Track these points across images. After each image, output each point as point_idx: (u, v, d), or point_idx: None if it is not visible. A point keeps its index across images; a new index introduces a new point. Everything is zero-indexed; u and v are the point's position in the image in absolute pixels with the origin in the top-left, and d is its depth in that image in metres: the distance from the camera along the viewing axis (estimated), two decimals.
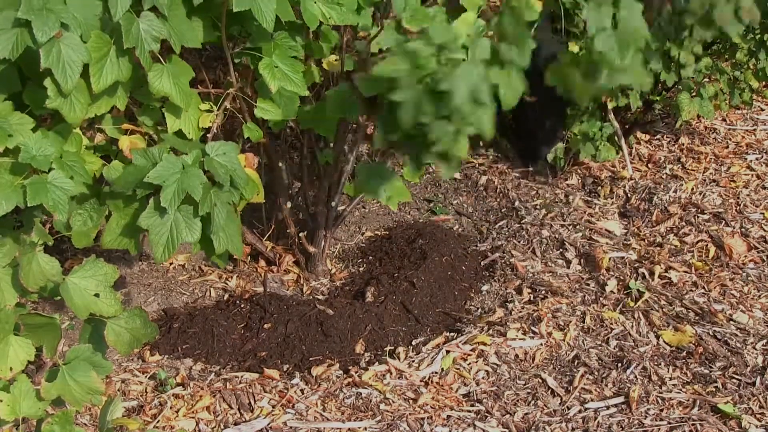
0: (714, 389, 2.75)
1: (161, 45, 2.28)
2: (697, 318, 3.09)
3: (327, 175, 3.26)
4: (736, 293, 3.22)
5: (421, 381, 2.83)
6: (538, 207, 3.86)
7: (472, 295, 3.34)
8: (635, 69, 2.26)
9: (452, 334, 3.08)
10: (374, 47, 2.74)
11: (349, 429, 2.64)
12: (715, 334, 3.00)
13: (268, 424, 2.65)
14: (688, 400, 2.71)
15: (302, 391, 2.80)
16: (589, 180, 4.03)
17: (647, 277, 3.32)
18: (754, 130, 4.41)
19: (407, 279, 3.31)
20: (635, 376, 2.82)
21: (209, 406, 2.73)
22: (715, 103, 3.84)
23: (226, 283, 3.39)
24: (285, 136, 3.47)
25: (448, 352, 2.95)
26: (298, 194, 3.59)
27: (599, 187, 3.95)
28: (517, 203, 3.89)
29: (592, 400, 2.74)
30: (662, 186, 3.87)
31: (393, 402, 2.74)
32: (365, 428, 2.64)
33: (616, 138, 3.93)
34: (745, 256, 3.41)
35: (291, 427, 2.64)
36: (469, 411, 2.71)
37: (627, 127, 4.09)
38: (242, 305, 3.20)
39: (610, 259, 3.43)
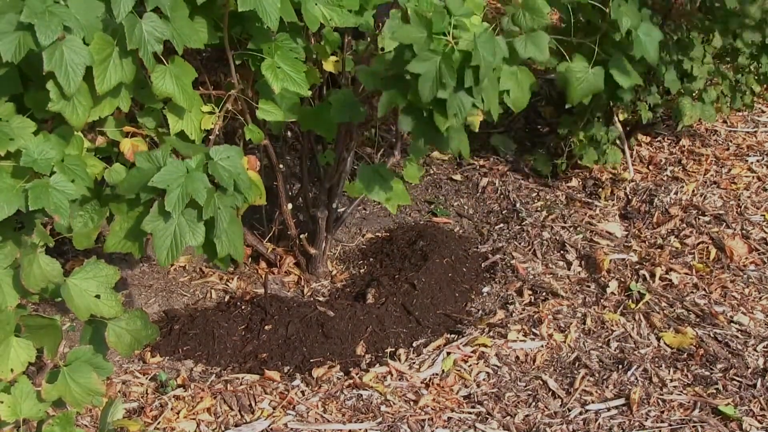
0: (715, 391, 2.75)
1: (163, 46, 2.28)
2: (697, 320, 3.09)
3: (327, 177, 3.26)
4: (737, 295, 3.22)
5: (421, 383, 2.83)
6: (538, 209, 3.86)
7: (473, 296, 3.34)
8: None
9: (453, 335, 3.08)
10: (386, 44, 2.74)
11: (349, 430, 2.64)
12: (716, 336, 3.00)
13: (269, 426, 2.65)
14: (688, 402, 2.71)
15: (303, 392, 2.80)
16: (590, 182, 4.03)
17: (648, 278, 3.32)
18: (755, 132, 4.41)
19: (408, 281, 3.31)
20: (636, 378, 2.82)
21: (210, 408, 2.73)
22: (717, 106, 3.84)
23: (227, 285, 3.39)
24: (285, 138, 3.47)
25: (448, 353, 2.95)
26: (299, 196, 3.59)
27: (600, 189, 3.95)
28: (518, 205, 3.89)
29: (592, 402, 2.74)
30: (663, 188, 3.87)
31: (394, 403, 2.74)
32: (366, 430, 2.64)
33: (618, 141, 3.93)
34: (746, 258, 3.41)
35: (292, 429, 2.64)
36: (470, 413, 2.71)
37: (628, 129, 4.09)
38: (243, 307, 3.21)
39: (610, 260, 3.43)
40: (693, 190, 3.86)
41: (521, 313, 3.16)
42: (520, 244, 3.61)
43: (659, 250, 3.50)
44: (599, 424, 2.64)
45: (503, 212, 3.89)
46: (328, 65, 3.05)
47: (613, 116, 3.82)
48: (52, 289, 2.15)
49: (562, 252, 3.54)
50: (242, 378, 2.88)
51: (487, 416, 2.69)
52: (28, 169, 2.10)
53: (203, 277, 3.44)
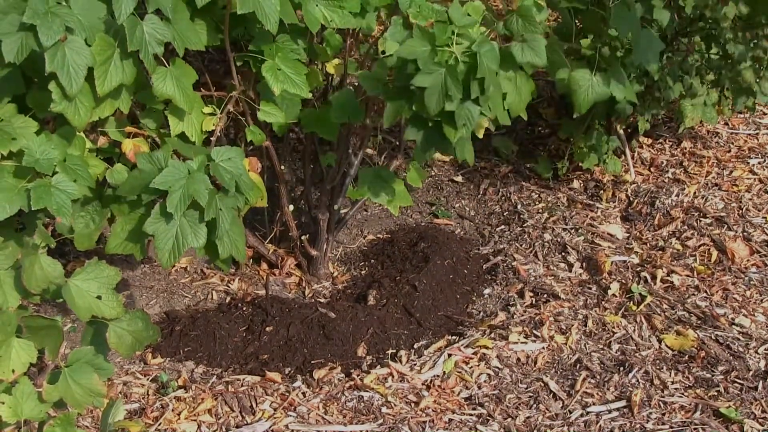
0: (716, 393, 2.75)
1: (164, 48, 2.28)
2: (699, 322, 3.09)
3: (329, 178, 3.26)
4: (738, 297, 3.22)
5: (422, 384, 2.83)
6: (540, 211, 3.86)
7: (474, 298, 3.34)
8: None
9: (454, 337, 3.08)
10: (389, 47, 2.74)
11: None
12: (718, 338, 3.00)
13: (270, 427, 2.65)
14: (690, 404, 2.71)
15: (304, 394, 2.80)
16: (591, 184, 4.03)
17: (649, 280, 3.32)
18: (757, 134, 4.41)
19: (409, 282, 3.31)
20: (637, 380, 2.82)
21: (211, 409, 2.73)
22: (718, 109, 3.84)
23: (228, 286, 3.39)
24: (287, 139, 3.47)
25: (450, 355, 2.95)
26: (301, 197, 3.59)
27: (601, 191, 3.95)
28: (519, 207, 3.89)
29: (594, 404, 2.74)
30: (664, 190, 3.87)
31: (395, 405, 2.74)
32: (367, 431, 2.64)
33: (619, 144, 3.93)
34: (748, 260, 3.41)
35: (293, 430, 2.64)
36: (471, 414, 2.71)
37: (630, 131, 4.09)
38: (244, 308, 3.21)
39: (612, 262, 3.43)
40: (694, 192, 3.85)
41: (522, 315, 3.16)
42: (521, 245, 3.61)
43: (660, 252, 3.49)
44: (600, 426, 2.64)
45: (504, 214, 3.89)
46: (330, 67, 3.05)
47: (612, 125, 3.83)
48: (54, 290, 2.16)
49: (563, 254, 3.54)
50: (243, 379, 2.88)
51: (488, 418, 2.69)
52: (30, 169, 2.11)
53: (204, 278, 3.44)
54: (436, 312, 3.23)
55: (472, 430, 2.65)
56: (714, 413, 2.67)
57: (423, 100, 2.37)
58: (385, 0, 2.80)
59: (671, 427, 2.62)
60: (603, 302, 3.23)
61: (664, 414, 2.68)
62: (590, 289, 3.32)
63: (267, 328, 3.08)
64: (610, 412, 2.70)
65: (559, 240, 3.62)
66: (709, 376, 2.83)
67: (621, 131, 3.88)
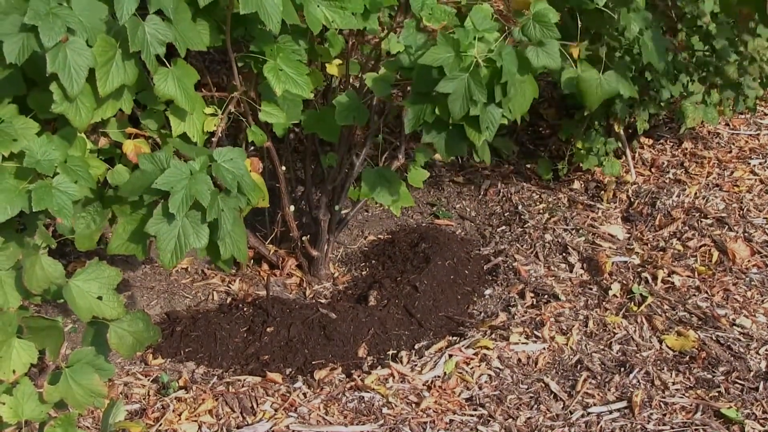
0: (717, 394, 2.75)
1: (166, 48, 2.28)
2: (700, 323, 3.09)
3: (330, 179, 3.26)
4: (739, 298, 3.22)
5: (423, 385, 2.83)
6: (540, 211, 3.86)
7: (475, 299, 3.34)
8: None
9: (455, 338, 3.07)
10: (394, 47, 2.75)
11: None
12: (718, 338, 3.00)
13: (271, 428, 2.65)
14: (691, 405, 2.71)
15: (305, 394, 2.80)
16: (592, 184, 4.03)
17: (650, 281, 3.31)
18: (758, 134, 4.41)
19: (410, 283, 3.31)
20: (638, 381, 2.82)
21: (212, 410, 2.73)
22: (720, 109, 3.84)
23: (229, 287, 3.39)
24: (289, 140, 3.48)
25: (450, 356, 2.94)
26: (302, 198, 3.59)
27: (602, 192, 3.95)
28: (519, 207, 3.89)
29: (594, 405, 2.74)
30: (665, 190, 3.87)
31: (395, 406, 2.74)
32: None
33: (620, 145, 3.93)
34: (749, 261, 3.41)
35: (293, 431, 2.64)
36: (472, 415, 2.71)
37: (630, 132, 4.09)
38: (245, 309, 3.21)
39: (613, 263, 3.43)
40: (695, 193, 3.85)
41: (523, 316, 3.16)
42: (522, 246, 3.61)
43: (661, 252, 3.49)
44: (601, 427, 2.64)
45: (505, 214, 3.89)
46: (332, 68, 3.05)
47: (612, 126, 3.83)
48: (54, 290, 2.16)
49: (564, 254, 3.54)
50: (244, 380, 2.88)
51: (488, 419, 2.69)
52: (31, 170, 2.11)
53: (205, 279, 3.44)
54: (437, 313, 3.23)
55: (472, 431, 2.65)
56: (715, 414, 2.66)
57: (446, 104, 2.41)
58: (388, 1, 2.81)
59: (672, 428, 2.62)
60: (604, 303, 3.23)
61: (665, 415, 2.68)
62: (591, 289, 3.32)
63: (268, 329, 3.08)
64: (611, 412, 2.70)
65: (559, 241, 3.62)
66: (710, 376, 2.83)
67: (621, 132, 3.88)
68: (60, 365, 2.08)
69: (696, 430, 2.60)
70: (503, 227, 3.79)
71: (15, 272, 2.11)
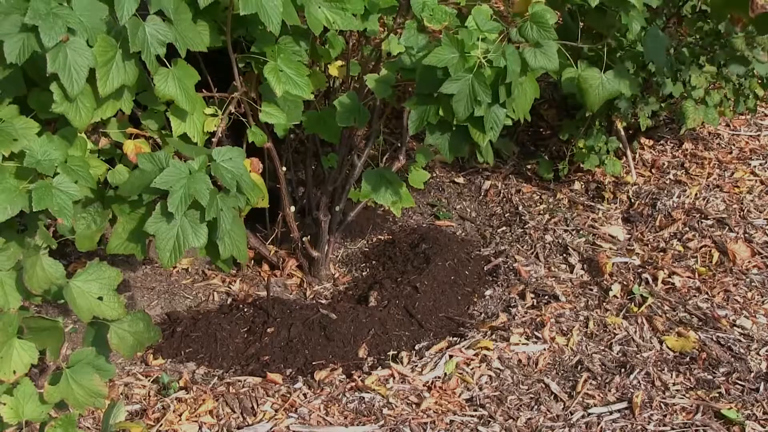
0: (717, 395, 2.74)
1: (166, 48, 2.28)
2: (700, 323, 3.08)
3: (331, 180, 3.26)
4: (739, 299, 3.22)
5: (423, 385, 2.83)
6: (541, 212, 3.86)
7: (476, 299, 3.33)
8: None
9: (455, 338, 3.07)
10: (395, 48, 2.75)
11: None
12: (719, 339, 2.99)
13: (271, 428, 2.65)
14: (691, 406, 2.71)
15: (305, 395, 2.80)
16: (593, 185, 4.03)
17: (650, 282, 3.31)
18: (758, 135, 4.41)
19: (410, 284, 3.31)
20: (638, 382, 2.82)
21: (212, 410, 2.73)
22: (720, 110, 3.84)
23: (230, 287, 3.39)
24: (289, 141, 3.48)
25: (451, 356, 2.94)
26: (302, 198, 3.59)
27: (602, 193, 3.95)
28: (520, 208, 3.89)
29: (595, 406, 2.74)
30: (666, 191, 3.87)
31: (396, 406, 2.73)
32: None
33: (620, 145, 3.93)
34: (749, 262, 3.41)
35: (294, 431, 2.64)
36: (472, 416, 2.71)
37: (631, 132, 4.09)
38: (245, 309, 3.21)
39: (613, 264, 3.43)
40: (696, 194, 3.85)
41: (523, 316, 3.16)
42: (522, 247, 3.61)
43: (662, 253, 3.49)
44: (601, 427, 2.64)
45: (505, 215, 3.89)
46: (333, 69, 3.05)
47: (613, 124, 3.83)
48: (55, 290, 2.16)
49: (564, 255, 3.54)
50: (244, 380, 2.88)
51: (489, 419, 2.69)
52: (31, 170, 2.11)
53: (206, 279, 3.44)
54: (437, 313, 3.23)
55: None
56: (715, 415, 2.66)
57: (450, 105, 2.41)
58: (388, 2, 2.81)
59: (672, 429, 2.61)
60: (604, 303, 3.23)
61: (665, 415, 2.67)
62: (591, 290, 3.32)
63: (268, 330, 3.08)
64: (611, 413, 2.70)
65: (560, 241, 3.62)
66: (710, 377, 2.82)
67: (622, 131, 3.88)
68: (60, 366, 2.08)
69: (696, 430, 2.60)
70: (503, 228, 3.79)
71: (15, 273, 2.11)
